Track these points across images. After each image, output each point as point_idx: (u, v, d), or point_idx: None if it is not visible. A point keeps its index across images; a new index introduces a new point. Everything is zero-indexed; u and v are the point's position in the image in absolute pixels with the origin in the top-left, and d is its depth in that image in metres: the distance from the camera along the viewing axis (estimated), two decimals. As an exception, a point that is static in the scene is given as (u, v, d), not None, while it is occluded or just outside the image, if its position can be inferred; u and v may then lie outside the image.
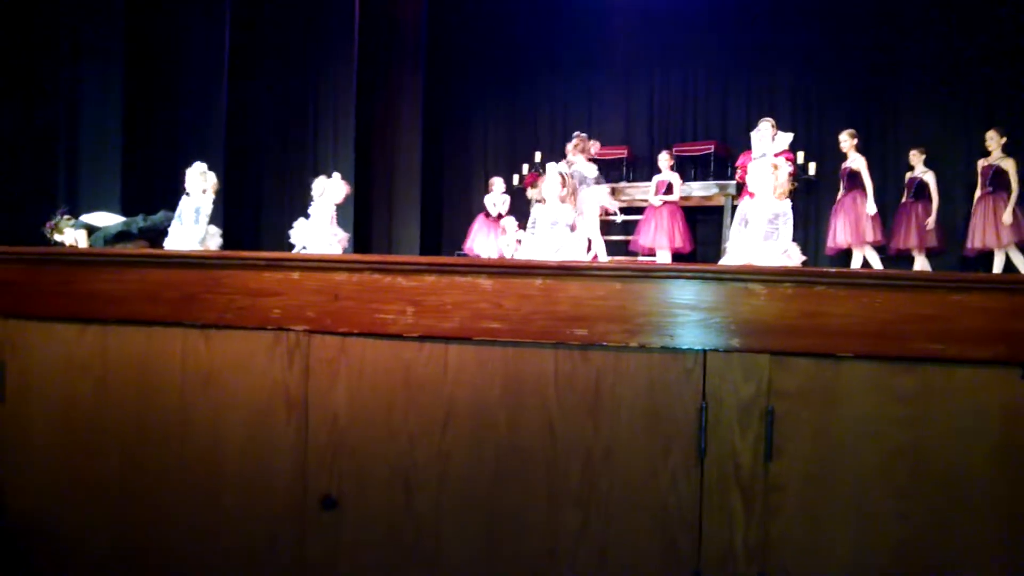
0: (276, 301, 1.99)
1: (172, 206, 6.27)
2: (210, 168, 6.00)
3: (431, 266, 1.92)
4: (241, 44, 9.93)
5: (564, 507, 1.88)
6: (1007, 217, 7.21)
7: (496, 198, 9.78)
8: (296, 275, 1.98)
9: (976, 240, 7.50)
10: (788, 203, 4.75)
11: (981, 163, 7.60)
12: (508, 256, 8.25)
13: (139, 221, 6.13)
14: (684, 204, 9.18)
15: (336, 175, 6.46)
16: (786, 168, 5.00)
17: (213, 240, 5.87)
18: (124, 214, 7.07)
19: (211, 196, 5.81)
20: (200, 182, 5.76)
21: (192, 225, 5.72)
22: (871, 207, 7.68)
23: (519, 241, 7.19)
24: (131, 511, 2.10)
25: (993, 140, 7.45)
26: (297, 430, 2.00)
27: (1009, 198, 7.29)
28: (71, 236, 6.53)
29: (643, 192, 9.50)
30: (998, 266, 7.38)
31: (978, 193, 7.59)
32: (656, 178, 9.07)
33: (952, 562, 1.73)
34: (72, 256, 2.25)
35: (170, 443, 2.08)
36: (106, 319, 2.11)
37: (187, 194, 5.82)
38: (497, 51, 11.60)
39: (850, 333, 1.75)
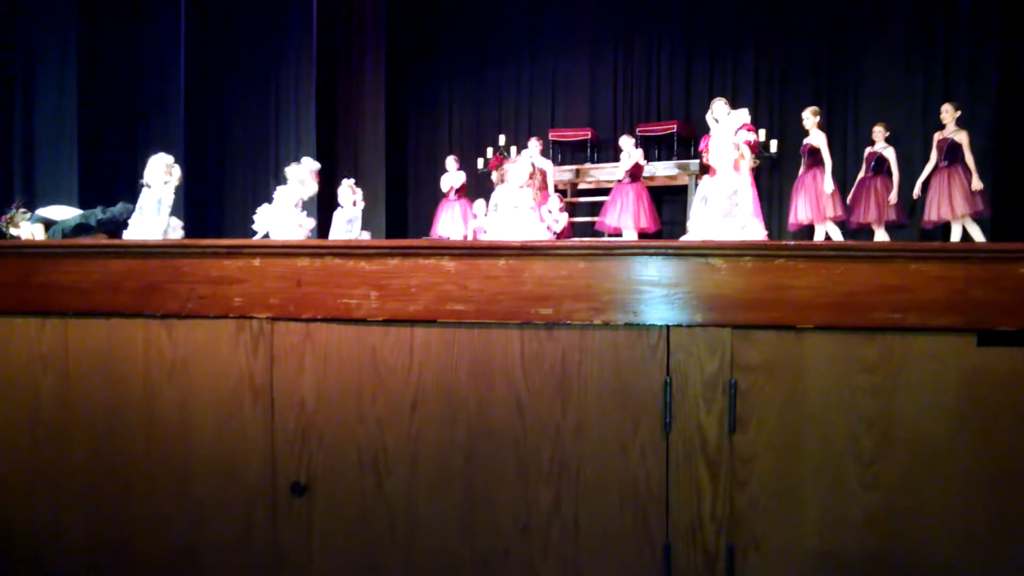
0: (238, 289, 1.97)
1: (131, 197, 6.17)
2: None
3: (394, 249, 1.92)
4: (198, 31, 9.77)
5: (536, 485, 1.89)
6: (976, 183, 7.36)
7: (450, 177, 9.79)
8: (257, 262, 1.96)
9: (932, 212, 7.64)
10: (747, 178, 4.81)
11: (937, 136, 7.73)
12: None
13: (97, 213, 6.02)
14: (648, 184, 9.22)
15: (306, 160, 6.39)
16: (748, 137, 5.06)
17: (175, 232, 5.79)
18: (82, 207, 6.95)
19: (172, 187, 5.72)
20: (161, 173, 5.66)
21: (154, 217, 5.62)
22: (828, 185, 7.78)
23: (484, 229, 7.30)
24: (102, 502, 2.08)
25: (948, 113, 7.58)
26: (264, 418, 1.99)
27: (964, 169, 7.43)
28: (27, 230, 6.41)
29: (607, 173, 9.53)
30: (955, 237, 7.52)
31: (931, 166, 7.72)
32: (622, 156, 9.09)
33: (919, 525, 1.77)
34: (30, 248, 2.21)
35: (137, 434, 2.06)
36: (66, 312, 2.07)
37: (147, 186, 5.71)
38: (459, 34, 11.55)
39: (811, 305, 1.77)
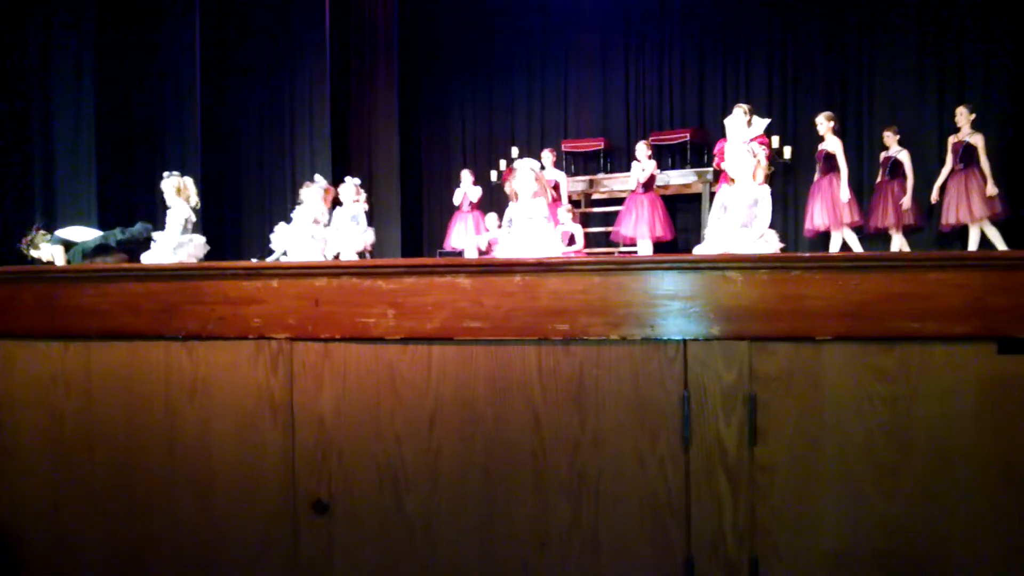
0: (257, 309, 1.99)
1: (150, 217, 6.25)
2: (187, 175, 5.98)
3: (410, 268, 1.93)
4: (212, 49, 9.87)
5: (554, 499, 1.89)
6: (991, 189, 7.30)
7: (464, 189, 9.83)
8: (275, 283, 1.98)
9: (951, 216, 7.59)
10: (767, 188, 4.77)
11: (952, 139, 7.68)
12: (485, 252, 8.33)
13: (117, 234, 6.08)
14: (663, 193, 9.21)
15: (318, 179, 6.44)
16: (762, 152, 5.02)
17: (199, 250, 5.83)
18: (101, 227, 7.03)
19: (186, 205, 5.77)
20: (172, 193, 5.73)
21: (169, 235, 5.69)
22: (844, 193, 7.73)
23: (496, 240, 7.32)
24: (125, 522, 2.10)
25: (963, 116, 7.53)
26: (284, 437, 2.00)
27: (980, 173, 7.38)
28: (47, 252, 6.48)
29: (621, 183, 9.53)
30: (973, 241, 7.47)
31: (947, 169, 7.67)
32: (635, 165, 9.10)
33: (940, 536, 1.75)
34: (51, 273, 2.24)
35: (158, 454, 2.08)
36: (88, 335, 2.10)
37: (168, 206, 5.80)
38: (471, 46, 11.60)
39: (828, 315, 1.77)
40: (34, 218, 7.80)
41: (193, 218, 5.76)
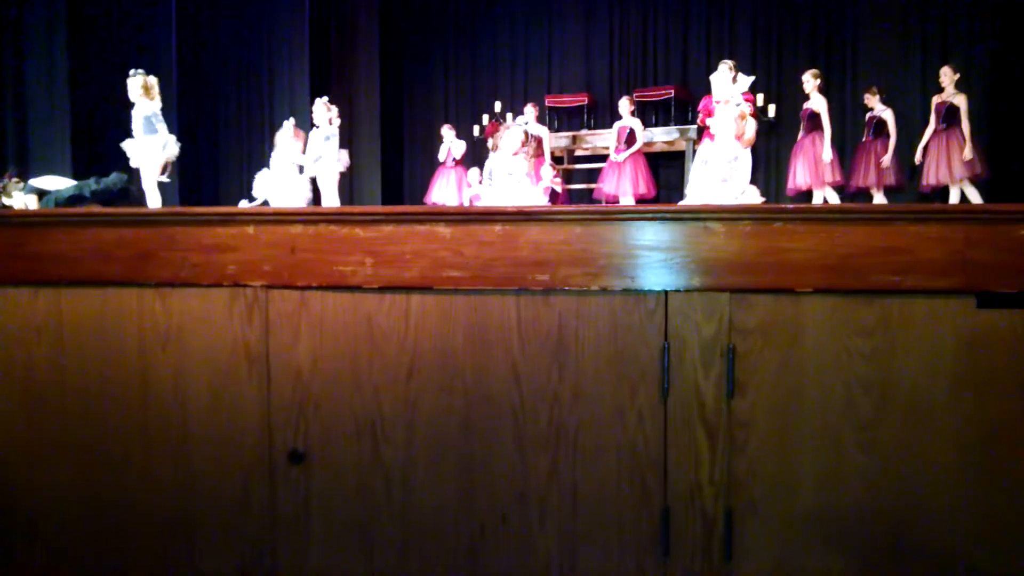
0: (231, 256, 1.95)
1: (124, 168, 6.15)
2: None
3: (389, 215, 1.90)
4: (188, -3, 9.65)
5: (533, 451, 1.89)
6: (967, 152, 7.30)
7: (447, 145, 9.75)
8: (251, 229, 1.94)
9: (931, 176, 7.60)
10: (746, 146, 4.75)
11: (935, 100, 7.66)
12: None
13: (91, 184, 5.96)
14: (646, 150, 9.16)
15: (290, 122, 6.41)
16: (753, 124, 5.01)
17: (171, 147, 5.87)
18: (75, 177, 6.90)
19: (148, 102, 5.79)
20: (137, 90, 5.75)
21: (142, 136, 5.73)
22: (827, 153, 7.71)
23: (478, 196, 7.31)
24: (98, 471, 2.08)
25: (947, 76, 7.50)
26: (260, 386, 1.98)
27: (962, 134, 7.37)
28: (20, 200, 6.37)
29: (604, 140, 9.47)
30: (953, 200, 7.49)
31: (931, 129, 7.66)
32: (617, 124, 9.03)
33: (917, 488, 1.76)
34: (20, 218, 2.19)
35: (133, 404, 2.05)
36: (59, 281, 2.06)
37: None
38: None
39: (809, 268, 1.76)
40: (7, 167, 7.64)
41: (158, 111, 5.75)
